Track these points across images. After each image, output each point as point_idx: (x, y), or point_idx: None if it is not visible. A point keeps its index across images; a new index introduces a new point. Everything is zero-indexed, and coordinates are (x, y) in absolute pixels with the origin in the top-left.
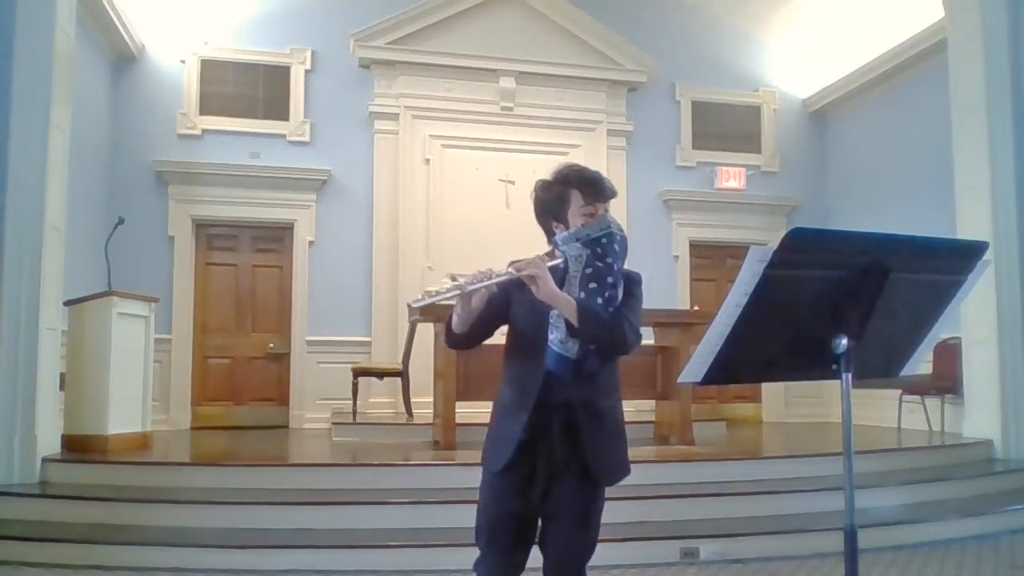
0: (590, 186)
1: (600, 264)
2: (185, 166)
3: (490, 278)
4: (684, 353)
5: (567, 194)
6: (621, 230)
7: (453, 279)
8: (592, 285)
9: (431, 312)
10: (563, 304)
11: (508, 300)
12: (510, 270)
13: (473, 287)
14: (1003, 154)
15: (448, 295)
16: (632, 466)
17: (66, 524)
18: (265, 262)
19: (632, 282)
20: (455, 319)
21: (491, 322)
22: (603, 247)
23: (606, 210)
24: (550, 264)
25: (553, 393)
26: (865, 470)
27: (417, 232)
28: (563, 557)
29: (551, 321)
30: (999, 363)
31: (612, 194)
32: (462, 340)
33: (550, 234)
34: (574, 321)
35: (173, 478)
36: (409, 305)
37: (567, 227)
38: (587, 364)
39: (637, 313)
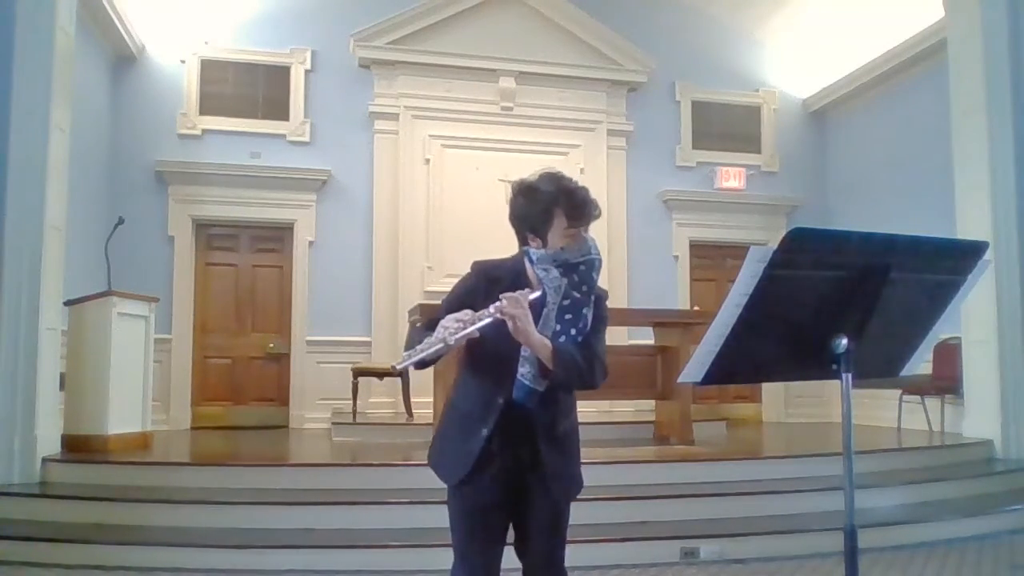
0: (578, 209)
1: (577, 295)
2: (185, 166)
3: (472, 323)
4: (684, 353)
5: (552, 213)
6: (598, 252)
7: (433, 327)
8: (568, 316)
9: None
10: (539, 348)
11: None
12: (493, 312)
13: (458, 337)
14: (1003, 154)
15: (434, 350)
16: (632, 466)
17: (66, 524)
18: (265, 262)
19: (600, 302)
20: (426, 355)
21: None
22: (580, 274)
23: (586, 231)
24: (531, 297)
25: (515, 415)
26: (865, 470)
27: (417, 232)
28: (541, 564)
29: (524, 355)
30: (999, 363)
31: (597, 215)
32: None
33: (523, 242)
34: (549, 364)
35: (173, 478)
36: (394, 367)
37: (544, 243)
38: (554, 395)
39: (603, 338)
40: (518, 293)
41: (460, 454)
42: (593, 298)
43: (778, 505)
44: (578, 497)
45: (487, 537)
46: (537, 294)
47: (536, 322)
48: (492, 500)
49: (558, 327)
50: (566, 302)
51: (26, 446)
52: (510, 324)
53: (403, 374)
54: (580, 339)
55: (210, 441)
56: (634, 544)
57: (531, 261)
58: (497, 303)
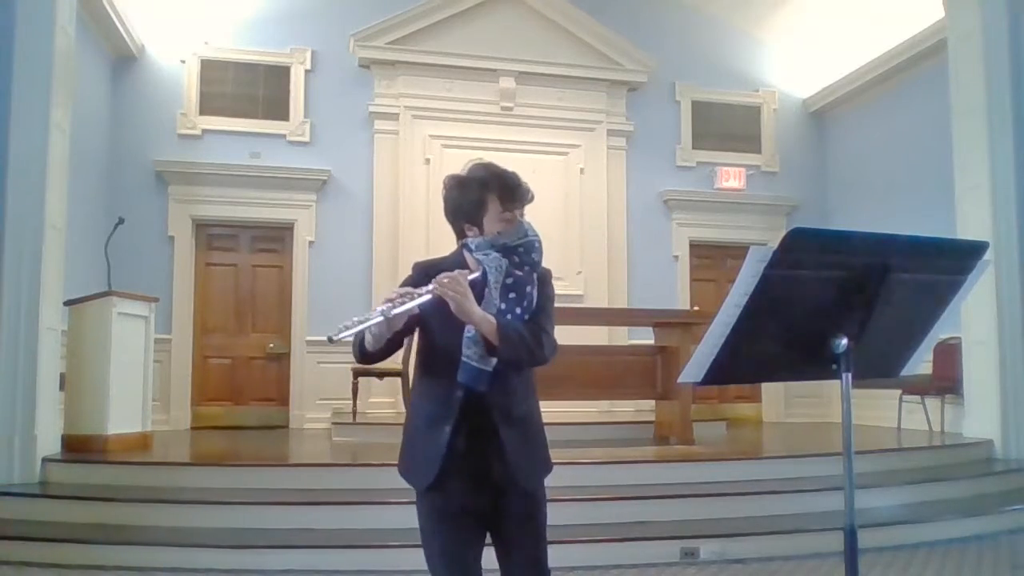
0: (510, 191)
1: (519, 273)
2: (185, 166)
3: (412, 299)
4: (684, 353)
5: (485, 199)
6: (537, 236)
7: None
8: (512, 295)
9: None
10: (481, 323)
11: (420, 312)
12: (432, 289)
13: (397, 312)
14: (1003, 154)
15: (373, 322)
16: (632, 466)
17: (66, 524)
18: (265, 262)
19: (543, 281)
20: (368, 337)
21: (402, 335)
22: (520, 256)
23: (522, 215)
24: (470, 278)
25: (472, 404)
26: (865, 470)
27: (417, 232)
28: (523, 568)
29: (468, 335)
30: (999, 363)
31: (531, 199)
32: (375, 356)
33: (461, 235)
34: (494, 341)
35: (173, 478)
36: (330, 338)
37: (481, 231)
38: (505, 376)
39: (551, 315)
40: (456, 272)
41: (428, 456)
42: (536, 277)
43: (778, 505)
44: (578, 497)
45: (462, 544)
46: (476, 275)
47: (479, 302)
48: (465, 503)
49: (503, 306)
50: (509, 280)
51: (26, 446)
52: (452, 305)
53: (402, 373)
54: (526, 317)
55: (210, 441)
56: (634, 544)
57: (470, 250)
58: (436, 278)
